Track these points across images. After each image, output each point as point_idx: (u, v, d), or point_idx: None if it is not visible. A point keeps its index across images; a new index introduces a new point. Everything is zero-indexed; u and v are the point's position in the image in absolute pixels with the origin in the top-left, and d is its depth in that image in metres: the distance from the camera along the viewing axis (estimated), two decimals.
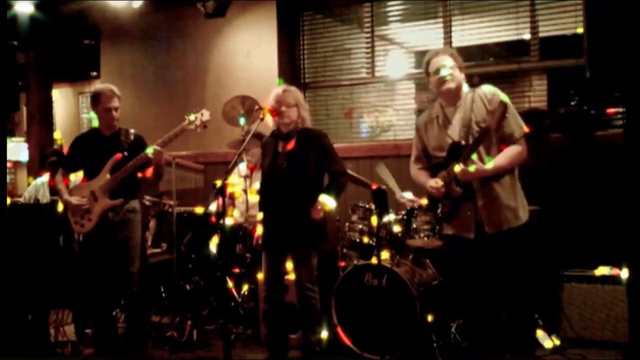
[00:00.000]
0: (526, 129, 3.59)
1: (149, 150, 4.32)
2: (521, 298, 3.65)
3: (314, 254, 4.11)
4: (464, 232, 3.65)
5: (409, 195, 4.75)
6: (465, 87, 3.71)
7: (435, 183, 3.66)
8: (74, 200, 4.45)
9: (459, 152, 3.55)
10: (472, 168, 3.46)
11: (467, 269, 3.73)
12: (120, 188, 4.43)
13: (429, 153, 3.83)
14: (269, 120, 4.13)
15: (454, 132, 3.64)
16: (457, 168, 3.50)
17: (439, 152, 3.72)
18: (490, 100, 3.58)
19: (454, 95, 3.68)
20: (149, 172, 4.45)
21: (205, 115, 4.44)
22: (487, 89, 3.66)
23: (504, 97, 3.58)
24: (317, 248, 4.13)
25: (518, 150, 3.58)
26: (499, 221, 3.57)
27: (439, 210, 3.75)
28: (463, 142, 3.57)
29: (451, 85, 3.65)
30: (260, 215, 4.28)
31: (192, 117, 4.42)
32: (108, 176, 4.41)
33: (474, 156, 3.50)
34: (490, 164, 3.51)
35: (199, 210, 5.26)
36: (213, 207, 4.38)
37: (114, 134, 4.54)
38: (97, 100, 4.49)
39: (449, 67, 3.64)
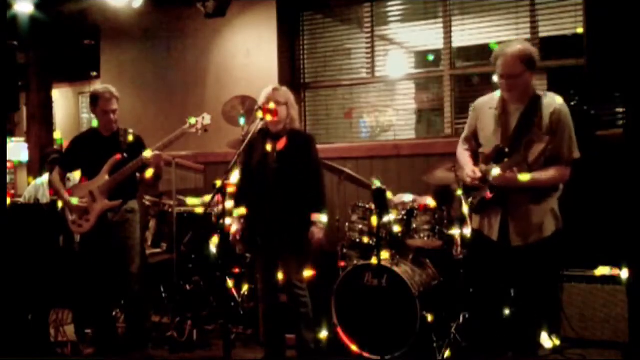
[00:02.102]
0: (576, 155, 3.44)
1: (148, 154, 4.33)
2: (531, 298, 3.60)
3: (302, 252, 4.10)
4: (486, 231, 3.59)
5: (408, 196, 4.75)
6: (536, 89, 3.51)
7: (473, 173, 3.54)
8: (74, 200, 4.45)
9: (501, 157, 3.44)
10: (507, 175, 3.35)
11: (482, 267, 3.69)
12: (119, 189, 4.44)
13: (478, 139, 3.70)
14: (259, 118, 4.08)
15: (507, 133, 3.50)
16: (494, 173, 3.39)
17: (486, 143, 3.60)
18: (552, 114, 3.39)
19: (519, 97, 3.49)
20: (148, 174, 4.45)
21: (207, 119, 4.45)
22: (554, 100, 3.45)
23: (566, 116, 3.40)
24: (305, 246, 4.09)
25: (560, 172, 3.41)
26: (525, 236, 3.47)
27: (469, 200, 3.65)
28: (507, 150, 3.43)
29: (505, 94, 3.50)
30: (239, 211, 4.20)
31: (193, 120, 4.43)
32: (107, 177, 4.42)
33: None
34: (526, 177, 3.36)
35: (199, 210, 5.26)
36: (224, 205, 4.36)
37: (112, 134, 4.55)
38: (96, 102, 4.50)
39: (509, 76, 3.43)
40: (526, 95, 3.47)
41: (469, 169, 3.59)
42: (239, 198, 4.23)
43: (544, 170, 3.41)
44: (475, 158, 3.69)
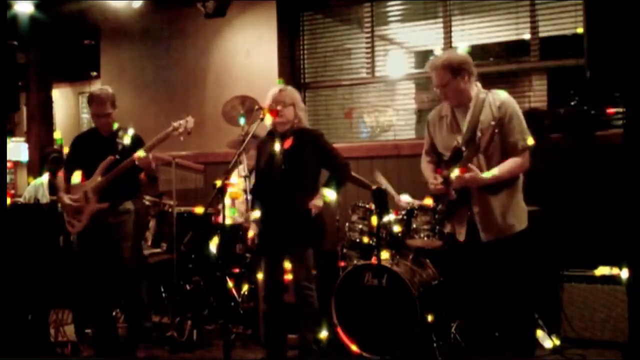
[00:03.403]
0: (530, 142, 3.52)
1: (138, 155, 4.32)
2: (520, 298, 3.64)
3: (310, 252, 4.10)
4: (456, 234, 3.67)
5: (406, 197, 4.75)
6: (477, 89, 3.65)
7: (435, 179, 3.66)
8: (67, 199, 4.47)
9: (459, 157, 3.53)
10: (467, 175, 3.45)
11: (462, 269, 3.76)
12: (112, 190, 4.42)
13: (437, 150, 3.82)
14: (268, 120, 4.11)
15: (460, 135, 3.62)
16: (453, 175, 3.50)
17: (446, 151, 3.71)
18: (499, 108, 3.53)
19: (456, 102, 3.66)
20: (143, 175, 4.47)
21: (190, 122, 4.46)
22: (499, 95, 3.60)
23: (513, 107, 3.54)
24: (313, 246, 4.12)
25: (518, 162, 3.53)
26: (493, 230, 3.55)
27: (438, 207, 3.76)
28: (464, 148, 3.53)
29: (445, 101, 3.69)
30: (254, 214, 4.23)
31: (176, 124, 4.44)
32: (100, 178, 4.42)
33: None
34: (487, 175, 3.47)
35: (199, 210, 5.26)
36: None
37: (111, 134, 4.54)
38: (90, 105, 4.54)
39: (438, 85, 3.64)
40: (464, 98, 3.63)
41: (431, 178, 3.71)
42: (254, 201, 4.25)
43: (501, 165, 3.52)
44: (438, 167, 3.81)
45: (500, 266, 3.55)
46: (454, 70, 3.59)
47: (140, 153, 4.33)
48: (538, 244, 4.08)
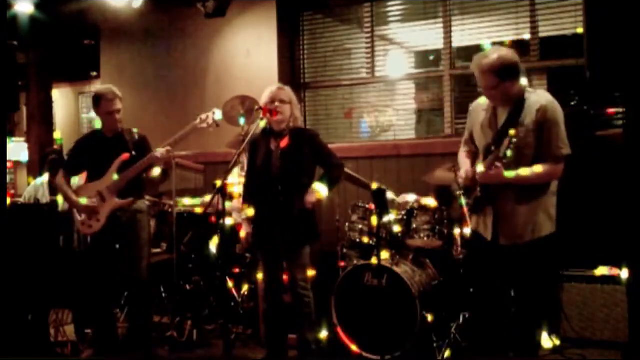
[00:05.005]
0: (565, 152, 3.39)
1: (160, 150, 4.32)
2: (530, 300, 3.61)
3: (307, 251, 4.11)
4: (482, 231, 3.62)
5: (411, 197, 4.75)
6: (522, 86, 3.46)
7: (465, 174, 3.59)
8: (84, 201, 4.43)
9: (488, 154, 3.46)
10: (491, 172, 3.37)
11: (478, 266, 3.73)
12: (128, 188, 4.43)
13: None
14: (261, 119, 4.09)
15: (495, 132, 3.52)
16: (478, 170, 3.44)
17: (479, 144, 3.64)
18: (537, 111, 3.37)
19: (502, 104, 3.51)
20: (154, 172, 4.45)
21: (218, 114, 4.45)
22: (542, 98, 3.44)
23: (554, 112, 3.38)
24: (309, 244, 4.11)
25: (548, 169, 3.39)
26: (511, 236, 3.49)
27: (466, 201, 3.66)
28: (493, 148, 3.43)
29: (490, 101, 3.54)
30: (248, 212, 4.20)
31: (203, 115, 4.42)
32: (115, 176, 4.40)
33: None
34: (510, 174, 3.36)
35: (199, 210, 5.26)
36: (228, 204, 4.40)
37: (117, 135, 4.52)
38: (99, 104, 4.46)
39: (484, 87, 3.48)
40: (510, 99, 3.46)
41: (462, 172, 3.63)
42: (246, 199, 4.24)
43: (530, 167, 3.40)
44: (476, 159, 3.71)
45: (519, 269, 3.50)
46: (503, 74, 3.37)
47: (166, 148, 4.33)
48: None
